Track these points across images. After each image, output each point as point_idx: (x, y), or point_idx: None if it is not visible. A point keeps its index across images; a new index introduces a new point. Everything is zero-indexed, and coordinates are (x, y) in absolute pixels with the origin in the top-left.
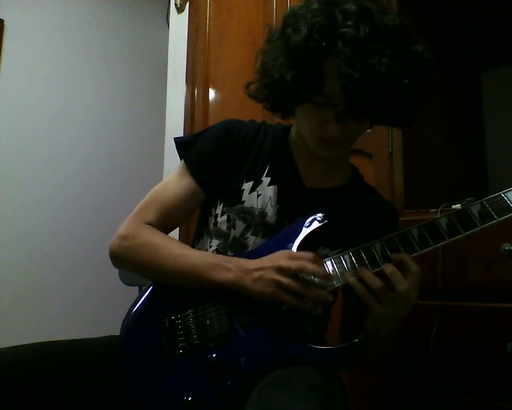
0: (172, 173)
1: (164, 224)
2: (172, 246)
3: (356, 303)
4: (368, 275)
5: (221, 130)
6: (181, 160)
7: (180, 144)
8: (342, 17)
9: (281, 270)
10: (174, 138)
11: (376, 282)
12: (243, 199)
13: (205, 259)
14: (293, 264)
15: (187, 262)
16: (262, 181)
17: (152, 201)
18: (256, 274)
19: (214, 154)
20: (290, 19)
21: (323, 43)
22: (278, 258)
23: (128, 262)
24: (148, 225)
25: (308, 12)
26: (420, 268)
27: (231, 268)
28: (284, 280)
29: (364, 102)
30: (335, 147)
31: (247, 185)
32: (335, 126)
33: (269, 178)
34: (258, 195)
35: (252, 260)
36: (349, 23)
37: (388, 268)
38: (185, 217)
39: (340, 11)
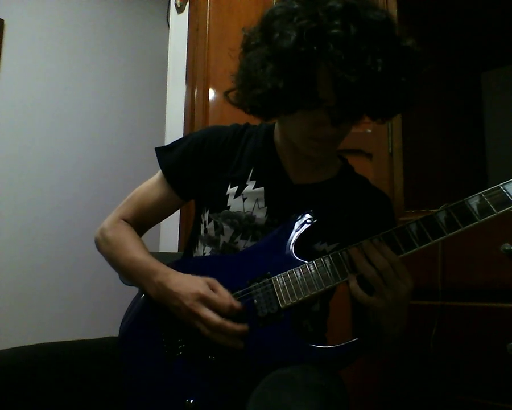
0: (155, 175)
1: (138, 222)
2: (127, 248)
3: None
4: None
5: (199, 139)
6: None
7: (160, 150)
8: (327, 17)
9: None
10: (156, 148)
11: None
12: (228, 204)
13: (141, 269)
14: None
15: (130, 266)
16: (247, 184)
17: (131, 199)
18: (174, 301)
19: (191, 162)
20: (271, 21)
21: (315, 47)
22: (195, 292)
23: (101, 251)
24: (123, 221)
25: (289, 13)
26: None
27: (155, 283)
28: (199, 312)
29: (360, 105)
30: (328, 146)
31: (231, 190)
32: (330, 127)
33: (255, 181)
34: (244, 199)
35: (177, 277)
36: (336, 22)
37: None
38: (161, 218)
39: (324, 10)
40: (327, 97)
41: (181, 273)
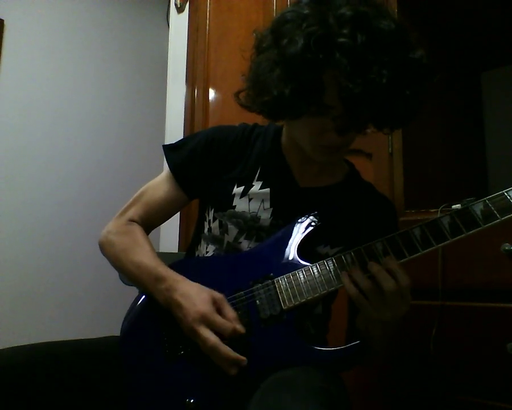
0: (161, 174)
1: (146, 222)
2: (133, 251)
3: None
4: (358, 275)
5: (208, 138)
6: None
7: (167, 148)
8: (337, 24)
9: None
10: (163, 145)
11: (365, 282)
12: (234, 204)
13: (149, 274)
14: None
15: (136, 271)
16: (253, 185)
17: (137, 199)
18: (178, 313)
19: (199, 161)
20: (281, 26)
21: (321, 55)
22: (198, 311)
23: (105, 255)
24: (131, 223)
25: (299, 18)
26: (409, 278)
27: (163, 290)
28: (199, 331)
29: (364, 115)
30: (335, 152)
31: (237, 190)
32: (335, 135)
33: (261, 182)
34: (250, 199)
35: (186, 287)
36: (344, 31)
37: (374, 267)
38: (168, 217)
39: (334, 16)
40: (332, 104)
41: (190, 282)
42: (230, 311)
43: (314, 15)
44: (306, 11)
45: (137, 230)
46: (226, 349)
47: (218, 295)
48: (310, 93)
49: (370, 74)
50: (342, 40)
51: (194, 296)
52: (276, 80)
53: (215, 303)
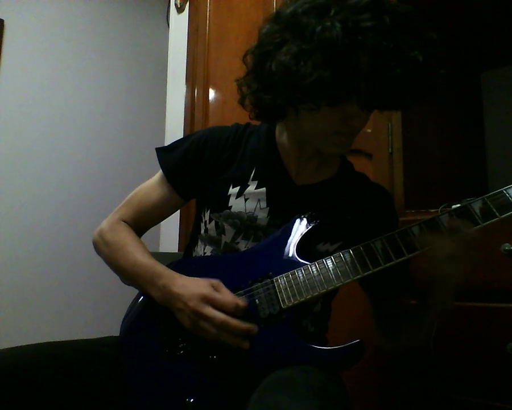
0: (154, 176)
1: (138, 224)
2: (128, 250)
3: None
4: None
5: (200, 139)
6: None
7: (160, 151)
8: (357, 11)
9: (200, 309)
10: (156, 148)
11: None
12: (230, 204)
13: (145, 272)
14: (212, 306)
15: (132, 269)
16: (249, 185)
17: (130, 201)
18: (178, 303)
19: (192, 162)
20: (300, 18)
21: (360, 37)
22: (198, 293)
23: (100, 254)
24: (122, 223)
25: (319, 8)
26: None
27: (160, 287)
28: (204, 311)
29: (397, 94)
30: (350, 140)
31: (233, 191)
32: (361, 118)
33: (257, 181)
34: (246, 199)
35: (182, 279)
36: (370, 15)
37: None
38: (161, 219)
39: (352, 4)
40: (361, 87)
41: (185, 276)
42: (227, 291)
43: (334, 2)
44: (321, 1)
45: (128, 230)
46: (236, 322)
47: (213, 280)
48: (349, 76)
49: (407, 54)
50: (370, 23)
51: (192, 285)
52: (311, 67)
53: (212, 285)
